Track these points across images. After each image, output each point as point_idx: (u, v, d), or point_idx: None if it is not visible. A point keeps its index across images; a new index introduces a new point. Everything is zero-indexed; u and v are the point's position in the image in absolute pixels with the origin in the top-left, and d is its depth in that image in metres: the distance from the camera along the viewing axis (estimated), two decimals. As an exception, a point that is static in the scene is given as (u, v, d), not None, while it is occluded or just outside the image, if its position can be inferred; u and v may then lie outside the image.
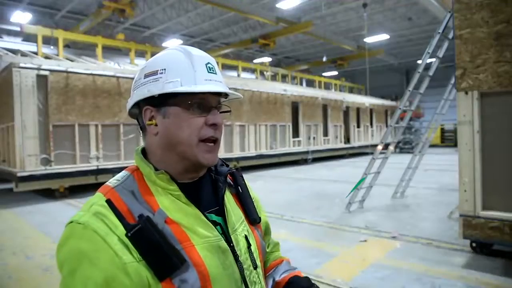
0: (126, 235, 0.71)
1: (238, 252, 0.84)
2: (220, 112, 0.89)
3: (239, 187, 0.98)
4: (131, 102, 0.87)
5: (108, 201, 0.75)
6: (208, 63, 0.85)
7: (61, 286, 0.71)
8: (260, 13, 14.66)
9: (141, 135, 0.90)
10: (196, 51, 0.86)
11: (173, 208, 0.79)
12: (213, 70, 0.85)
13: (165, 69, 0.82)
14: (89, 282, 0.67)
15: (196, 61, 0.83)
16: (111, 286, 0.68)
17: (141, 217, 0.73)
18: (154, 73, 0.83)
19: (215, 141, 0.85)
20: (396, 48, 23.27)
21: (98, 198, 0.78)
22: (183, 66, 0.82)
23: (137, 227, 0.71)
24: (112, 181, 0.83)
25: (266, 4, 15.31)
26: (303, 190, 8.76)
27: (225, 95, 0.89)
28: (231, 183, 0.98)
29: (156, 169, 0.82)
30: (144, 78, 0.85)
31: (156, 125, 0.83)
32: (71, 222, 0.74)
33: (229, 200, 0.93)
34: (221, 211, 0.88)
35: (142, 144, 0.92)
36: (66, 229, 0.74)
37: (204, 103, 0.83)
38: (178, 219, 0.78)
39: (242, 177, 1.02)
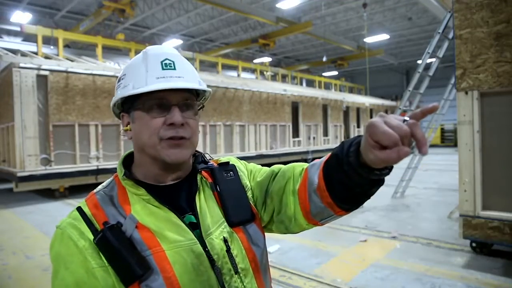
0: (93, 241, 0.73)
1: (215, 257, 0.79)
2: (199, 109, 0.87)
3: (217, 186, 0.89)
4: (111, 108, 0.92)
5: (79, 208, 0.79)
6: (166, 59, 0.82)
7: (51, 281, 0.77)
8: (260, 13, 14.66)
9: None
10: (153, 50, 0.84)
11: (144, 213, 0.78)
12: (170, 66, 0.81)
13: (125, 75, 0.85)
14: (63, 284, 0.72)
15: (150, 61, 0.82)
16: None
17: (105, 224, 0.74)
18: (119, 80, 0.87)
19: (181, 138, 0.81)
20: (396, 48, 23.28)
21: (80, 205, 0.82)
22: (137, 69, 0.83)
23: (100, 234, 0.72)
24: (98, 187, 0.87)
25: (266, 4, 15.32)
26: (303, 190, 8.74)
27: (203, 90, 0.86)
28: (212, 181, 0.90)
29: (130, 173, 0.85)
30: (116, 86, 0.89)
31: (130, 130, 0.86)
32: (56, 227, 0.79)
33: (207, 201, 0.87)
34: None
35: None
36: (54, 234, 0.79)
37: (164, 102, 0.80)
38: (148, 223, 0.77)
39: (232, 170, 0.93)
